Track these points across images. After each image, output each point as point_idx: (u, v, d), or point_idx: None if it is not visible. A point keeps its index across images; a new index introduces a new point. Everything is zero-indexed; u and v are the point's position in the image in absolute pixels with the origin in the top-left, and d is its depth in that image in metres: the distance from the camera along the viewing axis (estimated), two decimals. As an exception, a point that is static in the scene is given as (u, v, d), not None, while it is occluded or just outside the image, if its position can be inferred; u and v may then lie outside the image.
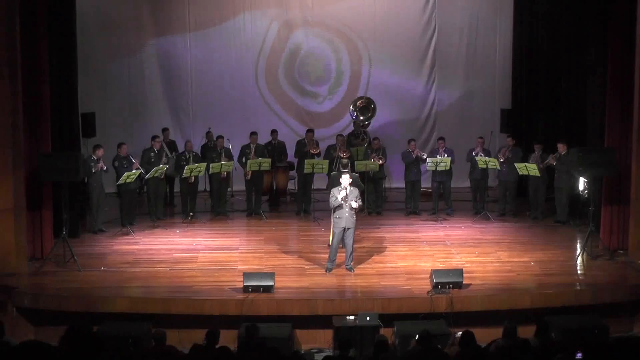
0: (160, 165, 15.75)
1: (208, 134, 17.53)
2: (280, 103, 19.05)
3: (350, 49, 19.00)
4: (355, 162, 16.31)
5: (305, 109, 19.05)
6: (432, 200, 16.72)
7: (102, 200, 15.34)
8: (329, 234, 13.77)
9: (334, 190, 12.84)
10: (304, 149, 16.86)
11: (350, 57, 19.04)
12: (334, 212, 13.07)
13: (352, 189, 12.84)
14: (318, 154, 16.88)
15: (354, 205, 12.68)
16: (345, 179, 12.79)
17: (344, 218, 12.76)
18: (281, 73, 18.97)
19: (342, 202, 12.68)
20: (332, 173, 14.71)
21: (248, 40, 18.79)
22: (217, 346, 9.09)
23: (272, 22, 18.78)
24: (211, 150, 16.77)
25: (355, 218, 12.88)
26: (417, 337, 9.27)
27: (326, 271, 12.97)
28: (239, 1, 18.64)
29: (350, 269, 12.98)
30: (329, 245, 13.77)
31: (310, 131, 17.25)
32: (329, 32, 18.91)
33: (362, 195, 13.97)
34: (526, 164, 15.77)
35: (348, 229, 12.81)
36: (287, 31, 18.86)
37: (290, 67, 18.97)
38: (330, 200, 12.90)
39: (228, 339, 10.60)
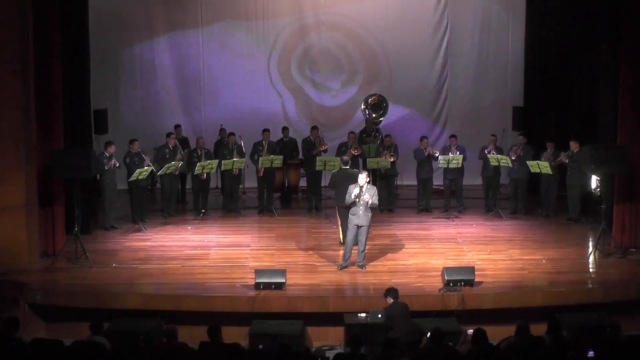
0: (173, 162, 15.76)
1: (220, 131, 17.56)
2: (293, 100, 19.08)
3: (364, 49, 19.00)
4: (367, 159, 16.29)
5: (320, 104, 19.05)
6: (444, 198, 16.72)
7: (114, 197, 15.38)
8: (339, 231, 13.84)
9: (350, 187, 12.82)
10: (311, 148, 16.87)
11: (363, 56, 19.02)
12: (339, 210, 12.99)
13: (369, 186, 12.82)
14: (325, 151, 16.87)
15: (366, 198, 12.59)
16: (362, 177, 12.77)
17: (358, 215, 12.75)
18: (294, 70, 18.98)
19: (356, 199, 12.68)
20: (333, 171, 14.66)
21: (260, 36, 18.79)
22: (226, 342, 9.13)
23: (285, 18, 18.78)
24: (223, 147, 16.79)
25: (370, 216, 12.86)
26: (428, 334, 9.29)
27: (338, 268, 12.97)
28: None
29: (361, 267, 12.96)
30: (340, 242, 13.79)
31: (314, 128, 17.22)
32: (343, 32, 18.87)
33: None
34: (538, 161, 15.72)
35: (361, 226, 12.81)
36: (301, 28, 18.84)
37: (302, 65, 18.96)
38: (345, 197, 12.91)
39: (239, 335, 10.65)
